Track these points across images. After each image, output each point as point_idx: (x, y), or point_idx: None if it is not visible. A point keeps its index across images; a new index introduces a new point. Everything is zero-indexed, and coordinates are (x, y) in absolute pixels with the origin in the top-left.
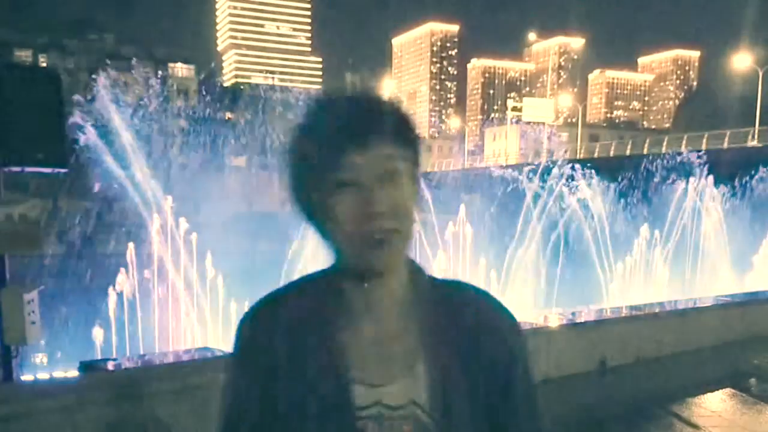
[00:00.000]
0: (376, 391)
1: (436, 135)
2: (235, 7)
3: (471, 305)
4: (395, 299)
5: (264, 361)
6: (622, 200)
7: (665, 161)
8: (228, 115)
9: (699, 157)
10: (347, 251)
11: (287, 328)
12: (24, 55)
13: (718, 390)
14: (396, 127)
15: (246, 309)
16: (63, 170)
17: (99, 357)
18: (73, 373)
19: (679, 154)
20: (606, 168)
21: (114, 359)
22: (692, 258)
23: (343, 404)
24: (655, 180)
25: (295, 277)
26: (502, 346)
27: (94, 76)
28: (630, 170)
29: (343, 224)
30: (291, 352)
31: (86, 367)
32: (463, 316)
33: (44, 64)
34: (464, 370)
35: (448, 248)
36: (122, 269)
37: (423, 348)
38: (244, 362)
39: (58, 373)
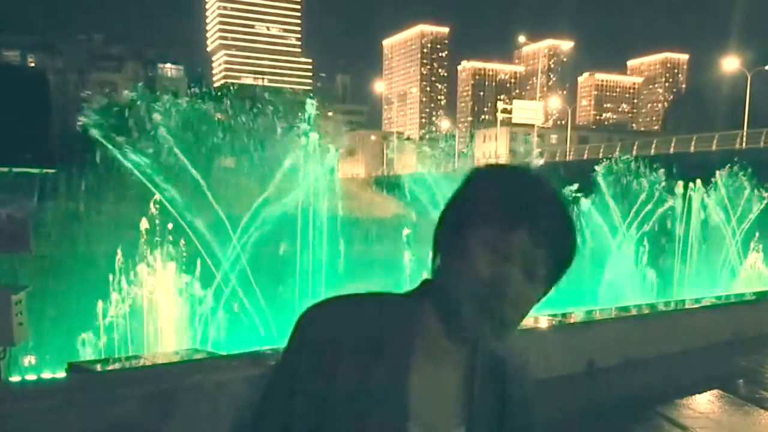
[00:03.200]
0: (424, 430)
1: (427, 136)
2: (224, 8)
3: (518, 379)
4: (463, 363)
5: (324, 364)
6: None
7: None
8: (218, 115)
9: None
10: (454, 301)
11: (357, 339)
12: (12, 55)
13: (705, 391)
14: (572, 249)
15: (237, 309)
16: (51, 170)
17: (87, 358)
18: (62, 374)
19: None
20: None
21: (103, 360)
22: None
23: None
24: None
25: (281, 275)
26: (531, 422)
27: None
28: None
29: (473, 282)
30: (356, 366)
31: (74, 368)
32: (510, 389)
33: (33, 65)
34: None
35: None
36: (111, 270)
37: (472, 415)
38: (302, 357)
39: (47, 375)
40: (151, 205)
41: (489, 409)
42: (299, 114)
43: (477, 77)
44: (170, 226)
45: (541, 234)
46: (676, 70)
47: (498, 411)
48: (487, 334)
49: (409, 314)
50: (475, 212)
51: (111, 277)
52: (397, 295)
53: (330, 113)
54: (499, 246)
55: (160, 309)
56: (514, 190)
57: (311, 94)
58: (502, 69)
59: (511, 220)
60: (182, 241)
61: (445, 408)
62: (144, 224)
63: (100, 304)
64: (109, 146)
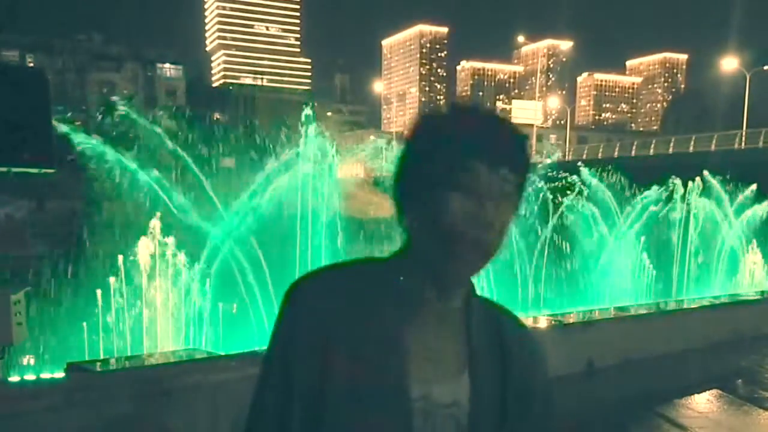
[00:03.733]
0: (426, 387)
1: None
2: (223, 8)
3: (514, 332)
4: (454, 307)
5: (321, 333)
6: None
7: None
8: (216, 115)
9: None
10: (434, 249)
11: (350, 305)
12: (11, 55)
13: (704, 391)
14: (523, 158)
15: (234, 310)
16: (50, 170)
17: (86, 358)
18: (60, 374)
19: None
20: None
21: (101, 360)
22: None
23: (400, 395)
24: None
25: (284, 276)
26: (534, 375)
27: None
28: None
29: (444, 224)
30: (352, 331)
31: (73, 368)
32: (507, 340)
33: (32, 64)
34: (498, 386)
35: None
36: (110, 270)
37: (471, 359)
38: (300, 331)
39: (46, 374)
40: (147, 201)
41: (489, 365)
42: (299, 114)
43: (476, 77)
44: (172, 224)
45: (500, 158)
46: (675, 70)
47: (498, 366)
48: (477, 269)
49: (399, 279)
50: (429, 160)
51: (110, 277)
52: (384, 261)
53: (329, 113)
54: (464, 184)
55: (159, 309)
56: (461, 128)
57: (310, 94)
58: (502, 69)
59: (467, 154)
60: (183, 240)
61: (446, 360)
62: (142, 224)
63: (99, 304)
64: (105, 146)
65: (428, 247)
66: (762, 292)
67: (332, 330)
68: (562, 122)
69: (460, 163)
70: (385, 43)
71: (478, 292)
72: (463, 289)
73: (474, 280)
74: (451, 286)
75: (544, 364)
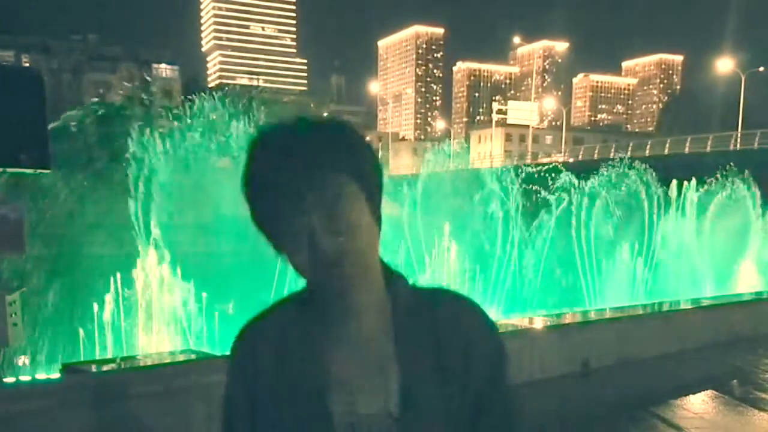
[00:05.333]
0: (351, 400)
1: (422, 137)
2: (219, 8)
3: (448, 313)
4: (368, 310)
5: (250, 379)
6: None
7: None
8: (212, 116)
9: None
10: (306, 277)
11: (270, 346)
12: (6, 55)
13: (700, 392)
14: (335, 151)
15: (229, 311)
16: (46, 171)
17: (82, 359)
18: (56, 375)
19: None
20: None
21: (97, 361)
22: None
23: (319, 413)
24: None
25: (277, 277)
26: (478, 355)
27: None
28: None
29: (293, 256)
30: (274, 369)
31: (69, 369)
32: (439, 325)
33: (27, 65)
34: (438, 380)
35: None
36: (106, 270)
37: (398, 358)
38: (234, 382)
39: (41, 376)
40: (137, 204)
41: (419, 346)
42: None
43: (472, 78)
44: (169, 225)
45: (295, 173)
46: (670, 71)
47: (433, 346)
48: (353, 272)
49: (304, 302)
50: (257, 194)
51: (106, 278)
52: (296, 292)
53: (325, 114)
54: (284, 203)
55: (155, 310)
56: (271, 149)
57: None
58: (498, 70)
59: (278, 170)
60: (179, 241)
61: (370, 368)
62: (140, 224)
63: (95, 304)
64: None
65: (301, 274)
66: (757, 293)
67: (259, 375)
68: (558, 123)
69: (269, 196)
70: (381, 43)
71: (410, 282)
72: (369, 288)
73: (384, 272)
74: (347, 295)
75: (492, 347)
